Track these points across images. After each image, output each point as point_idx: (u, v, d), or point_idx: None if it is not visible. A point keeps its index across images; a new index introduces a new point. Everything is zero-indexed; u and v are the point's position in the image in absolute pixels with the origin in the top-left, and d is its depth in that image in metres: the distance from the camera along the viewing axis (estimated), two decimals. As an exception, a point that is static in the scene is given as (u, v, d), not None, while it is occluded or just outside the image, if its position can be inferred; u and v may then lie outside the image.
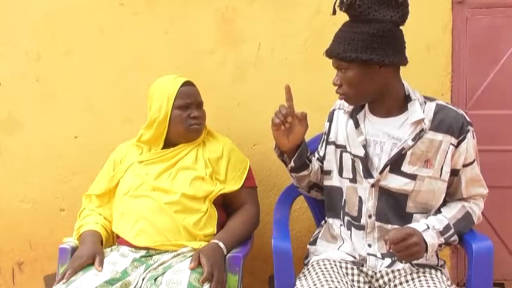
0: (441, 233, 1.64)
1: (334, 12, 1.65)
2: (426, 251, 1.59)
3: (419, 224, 1.65)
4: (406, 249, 1.56)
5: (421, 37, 2.20)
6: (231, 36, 2.36)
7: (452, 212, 1.70)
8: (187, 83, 2.03)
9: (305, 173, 1.85)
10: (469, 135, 1.68)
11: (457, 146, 1.67)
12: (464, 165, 1.70)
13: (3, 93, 2.47)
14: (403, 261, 1.65)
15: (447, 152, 1.66)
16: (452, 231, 1.66)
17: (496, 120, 2.30)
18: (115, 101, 2.41)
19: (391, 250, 1.56)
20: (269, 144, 1.81)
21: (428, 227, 1.62)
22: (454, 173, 1.70)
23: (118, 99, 2.41)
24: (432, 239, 1.61)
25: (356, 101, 1.71)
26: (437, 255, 1.72)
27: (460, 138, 1.67)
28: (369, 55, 1.59)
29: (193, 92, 2.03)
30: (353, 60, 1.60)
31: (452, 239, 1.67)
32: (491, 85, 2.30)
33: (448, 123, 1.67)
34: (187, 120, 1.99)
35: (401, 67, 1.70)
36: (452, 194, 1.74)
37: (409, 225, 1.66)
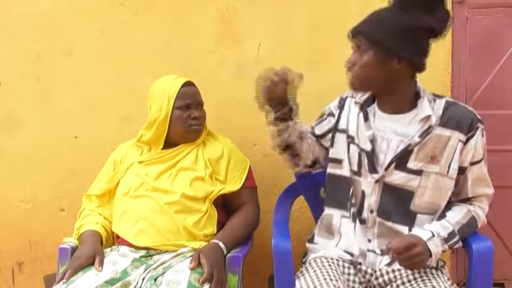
0: (446, 240, 1.63)
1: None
2: (430, 256, 1.59)
3: (424, 231, 1.62)
4: (409, 259, 1.55)
5: (421, 37, 2.20)
6: (231, 36, 2.36)
7: (457, 217, 1.68)
8: (188, 84, 2.03)
9: (285, 125, 1.71)
10: (479, 132, 1.66)
11: (465, 143, 1.65)
12: (472, 163, 1.68)
13: (3, 93, 2.47)
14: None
15: (455, 149, 1.65)
16: (457, 238, 1.65)
17: (496, 120, 2.30)
18: (114, 101, 2.41)
19: (394, 258, 1.56)
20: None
21: (433, 235, 1.61)
22: (461, 171, 1.68)
23: (118, 99, 2.41)
24: (436, 248, 1.60)
25: (361, 86, 1.68)
26: (436, 255, 1.72)
27: (469, 134, 1.65)
28: (393, 44, 1.58)
29: (194, 93, 2.03)
30: (376, 43, 1.59)
31: (456, 245, 1.66)
32: (491, 85, 2.31)
33: (457, 119, 1.65)
34: (187, 121, 1.99)
35: None
36: (457, 194, 1.73)
37: (413, 232, 1.65)
